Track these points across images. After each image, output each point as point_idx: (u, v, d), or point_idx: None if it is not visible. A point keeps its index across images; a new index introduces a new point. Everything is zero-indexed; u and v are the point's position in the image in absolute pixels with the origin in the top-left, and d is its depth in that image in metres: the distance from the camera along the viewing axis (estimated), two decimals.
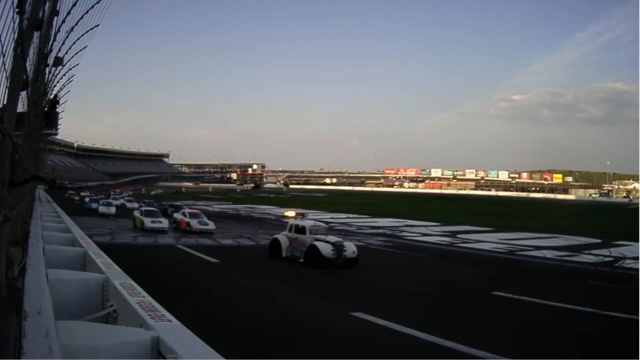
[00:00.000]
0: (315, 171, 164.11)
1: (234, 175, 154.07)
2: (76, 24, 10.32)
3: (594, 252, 21.34)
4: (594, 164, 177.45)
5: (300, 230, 15.45)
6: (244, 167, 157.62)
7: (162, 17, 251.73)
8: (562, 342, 8.11)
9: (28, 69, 4.86)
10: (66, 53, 12.06)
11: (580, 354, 7.40)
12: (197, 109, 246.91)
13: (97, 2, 9.86)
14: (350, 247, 14.54)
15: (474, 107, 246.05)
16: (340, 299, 10.63)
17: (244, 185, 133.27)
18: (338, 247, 14.15)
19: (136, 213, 25.58)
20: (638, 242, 22.31)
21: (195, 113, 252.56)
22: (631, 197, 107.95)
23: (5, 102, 3.69)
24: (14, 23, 3.42)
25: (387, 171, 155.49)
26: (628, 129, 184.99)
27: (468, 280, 13.72)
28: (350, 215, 40.70)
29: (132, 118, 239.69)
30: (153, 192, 79.86)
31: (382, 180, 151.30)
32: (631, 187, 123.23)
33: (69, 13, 9.22)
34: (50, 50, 9.73)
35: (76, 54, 13.37)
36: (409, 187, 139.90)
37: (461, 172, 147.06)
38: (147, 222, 23.35)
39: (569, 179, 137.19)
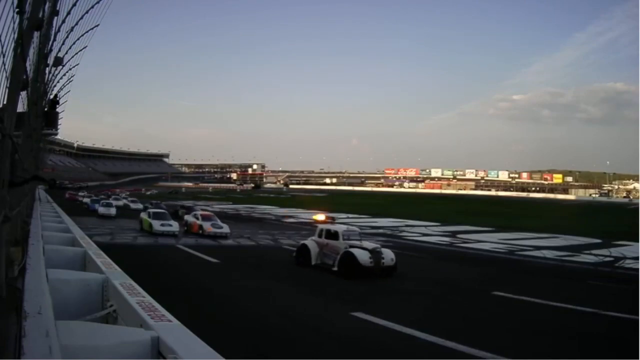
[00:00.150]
0: (315, 171, 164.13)
1: (234, 175, 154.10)
2: (76, 24, 10.33)
3: (594, 252, 21.34)
4: (594, 164, 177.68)
5: (333, 235, 14.04)
6: (244, 167, 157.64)
7: (162, 17, 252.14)
8: (562, 342, 8.11)
9: (28, 69, 4.85)
10: (66, 53, 12.07)
11: (580, 354, 7.40)
12: (197, 109, 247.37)
13: (97, 2, 9.86)
14: (389, 254, 13.28)
15: (474, 107, 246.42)
16: (340, 299, 10.63)
17: (244, 185, 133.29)
18: (376, 254, 12.90)
19: (143, 215, 24.06)
20: (638, 242, 22.31)
21: (195, 113, 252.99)
22: (631, 197, 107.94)
23: (5, 102, 3.69)
24: (14, 23, 3.42)
25: (387, 171, 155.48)
26: (628, 129, 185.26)
27: (468, 280, 13.72)
28: (350, 215, 40.67)
29: (132, 118, 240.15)
30: (148, 192, 78.81)
31: (382, 180, 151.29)
32: (631, 187, 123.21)
33: (69, 13, 9.22)
34: (50, 50, 9.74)
35: (76, 54, 13.38)
36: (409, 187, 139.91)
37: (461, 172, 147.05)
38: (156, 225, 21.83)
39: (569, 179, 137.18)
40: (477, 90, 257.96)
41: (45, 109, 12.67)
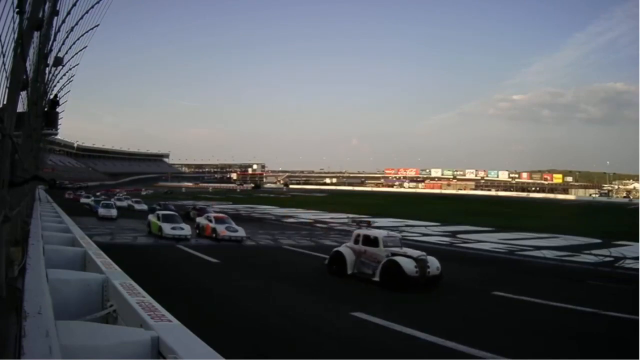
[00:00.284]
0: (315, 171, 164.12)
1: (234, 175, 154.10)
2: (76, 24, 10.33)
3: (594, 252, 21.34)
4: (594, 164, 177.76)
5: (372, 242, 12.77)
6: (244, 167, 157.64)
7: (162, 17, 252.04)
8: (562, 342, 8.11)
9: (28, 69, 4.86)
10: (66, 53, 12.07)
11: (580, 354, 7.40)
12: (197, 109, 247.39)
13: (97, 2, 9.86)
14: (434, 263, 12.15)
15: (474, 107, 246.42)
16: (340, 299, 10.63)
17: (244, 185, 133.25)
18: (421, 263, 11.79)
19: (152, 218, 22.44)
20: (638, 242, 22.31)
21: (195, 113, 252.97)
22: (631, 197, 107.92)
23: (5, 102, 3.69)
24: (14, 23, 3.42)
25: (387, 171, 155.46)
26: (628, 129, 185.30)
27: (468, 280, 13.71)
28: (350, 216, 40.65)
29: (132, 118, 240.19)
30: (144, 192, 77.61)
31: (382, 180, 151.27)
32: (631, 187, 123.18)
33: (69, 13, 9.22)
34: (50, 50, 9.74)
35: (76, 54, 13.38)
36: (409, 187, 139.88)
37: (461, 172, 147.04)
38: (167, 228, 20.39)
39: (569, 179, 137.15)
40: (477, 90, 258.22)
41: (45, 109, 12.67)
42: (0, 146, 3.46)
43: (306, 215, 41.21)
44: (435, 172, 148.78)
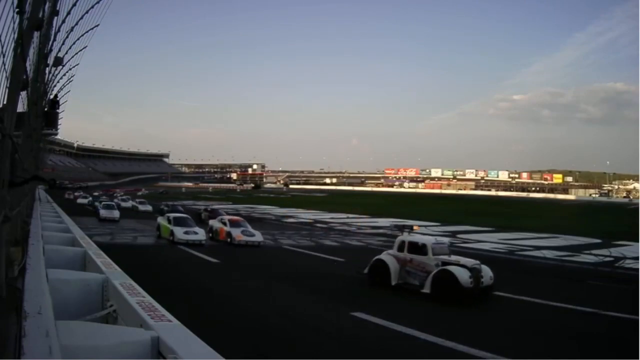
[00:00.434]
0: (315, 171, 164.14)
1: (234, 175, 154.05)
2: (76, 24, 10.33)
3: (594, 252, 21.34)
4: (594, 164, 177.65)
5: (419, 249, 11.59)
6: (244, 167, 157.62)
7: (162, 17, 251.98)
8: (562, 342, 8.12)
9: (28, 69, 4.86)
10: (66, 53, 12.07)
11: (580, 354, 7.40)
12: (197, 109, 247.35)
13: (97, 2, 9.86)
14: (487, 272, 11.12)
15: (474, 107, 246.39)
16: (340, 299, 10.62)
17: (244, 185, 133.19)
18: (476, 273, 10.73)
19: (162, 221, 20.75)
20: (638, 242, 22.31)
21: (195, 113, 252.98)
22: (631, 197, 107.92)
23: (5, 102, 3.69)
24: (14, 23, 3.42)
25: (387, 171, 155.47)
26: (628, 129, 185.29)
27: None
28: (350, 215, 40.69)
29: (132, 118, 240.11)
30: (139, 193, 75.60)
31: (382, 180, 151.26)
32: (631, 187, 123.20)
33: (69, 13, 9.22)
34: (50, 50, 9.74)
35: (76, 54, 13.39)
36: (409, 187, 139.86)
37: (461, 172, 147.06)
38: (179, 233, 18.81)
39: (569, 179, 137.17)
40: (477, 90, 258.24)
41: (45, 109, 12.66)
42: (0, 146, 3.46)
43: (306, 215, 41.21)
44: (435, 172, 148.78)
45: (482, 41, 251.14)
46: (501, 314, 9.98)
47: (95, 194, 59.53)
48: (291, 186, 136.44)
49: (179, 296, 8.88)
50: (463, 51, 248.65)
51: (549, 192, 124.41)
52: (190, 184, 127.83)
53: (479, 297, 10.65)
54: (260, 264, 15.51)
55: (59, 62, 11.83)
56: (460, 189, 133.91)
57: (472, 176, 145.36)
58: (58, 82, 15.52)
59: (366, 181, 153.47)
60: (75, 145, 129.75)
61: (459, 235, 27.32)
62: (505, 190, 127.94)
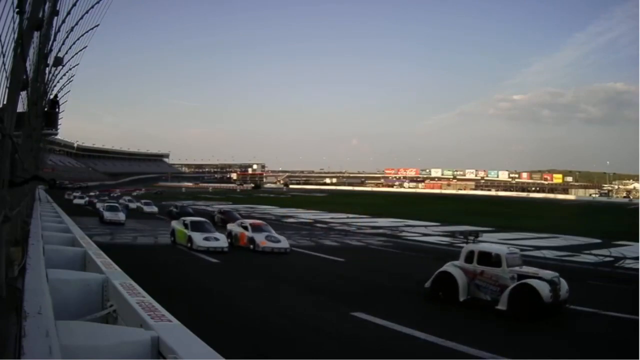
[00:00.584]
0: (315, 171, 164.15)
1: (234, 175, 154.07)
2: (76, 24, 10.32)
3: (594, 252, 21.33)
4: (594, 164, 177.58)
5: (492, 260, 10.28)
6: (244, 167, 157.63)
7: (162, 17, 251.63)
8: (562, 342, 8.12)
9: (28, 69, 4.86)
10: (66, 53, 12.06)
11: (580, 354, 7.41)
12: (197, 109, 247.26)
13: (97, 2, 9.85)
14: (564, 285, 9.95)
15: (474, 107, 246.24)
16: (340, 299, 10.62)
17: (244, 185, 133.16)
18: (555, 286, 9.55)
19: (177, 225, 18.95)
20: (638, 242, 22.30)
21: (195, 113, 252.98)
22: (631, 197, 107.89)
23: (5, 102, 3.69)
24: (14, 23, 3.42)
25: (387, 171, 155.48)
26: (628, 129, 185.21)
27: None
28: (350, 215, 40.68)
29: (132, 118, 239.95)
30: (134, 193, 73.90)
31: (382, 180, 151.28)
32: (631, 187, 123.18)
33: (69, 13, 9.21)
34: (50, 50, 9.73)
35: (76, 54, 13.37)
36: (409, 187, 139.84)
37: (461, 172, 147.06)
38: (198, 239, 16.97)
39: (569, 179, 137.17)
40: (477, 90, 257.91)
41: (45, 109, 12.66)
42: (0, 146, 3.46)
43: (306, 215, 41.20)
44: (435, 172, 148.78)
45: (482, 41, 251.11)
46: (501, 314, 9.96)
47: (92, 194, 58.55)
48: (291, 186, 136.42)
49: (179, 296, 8.89)
50: (463, 51, 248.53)
51: (549, 192, 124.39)
52: (190, 184, 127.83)
53: (555, 312, 9.59)
54: (260, 264, 15.51)
55: (59, 62, 11.82)
56: (460, 189, 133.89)
57: (472, 176, 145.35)
58: (58, 82, 15.51)
59: (366, 181, 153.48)
60: (75, 145, 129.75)
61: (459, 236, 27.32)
62: (505, 190, 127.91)
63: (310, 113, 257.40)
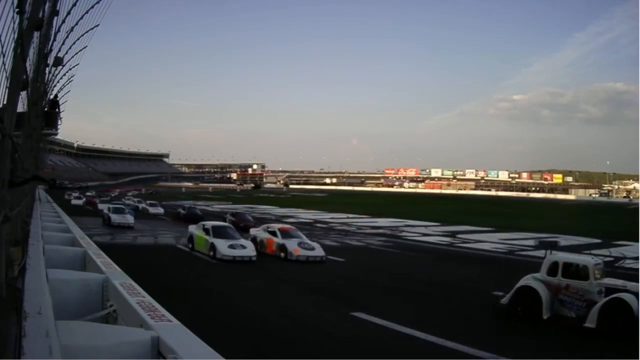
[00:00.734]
0: (315, 171, 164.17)
1: (234, 175, 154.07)
2: (76, 24, 10.31)
3: (594, 252, 21.31)
4: (594, 164, 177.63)
5: (578, 273, 9.31)
6: (244, 167, 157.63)
7: (163, 17, 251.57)
8: (562, 342, 8.12)
9: (28, 69, 4.86)
10: (66, 53, 12.05)
11: (580, 354, 7.41)
12: (197, 109, 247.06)
13: (97, 2, 9.84)
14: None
15: (474, 107, 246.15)
16: (340, 299, 10.62)
17: (244, 185, 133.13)
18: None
19: (196, 231, 17.14)
20: (638, 242, 22.29)
21: (195, 113, 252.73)
22: (631, 197, 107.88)
23: (5, 102, 3.69)
24: (14, 23, 3.42)
25: (387, 171, 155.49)
26: (628, 129, 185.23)
27: (468, 280, 13.71)
28: (350, 215, 40.68)
29: (132, 118, 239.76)
30: (130, 193, 71.68)
31: (382, 180, 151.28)
32: (631, 187, 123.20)
33: (69, 13, 9.21)
34: (50, 50, 9.73)
35: (76, 54, 13.36)
36: (409, 187, 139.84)
37: (461, 172, 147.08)
38: (222, 247, 15.09)
39: (569, 179, 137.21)
40: (477, 90, 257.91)
41: (45, 109, 12.66)
42: (0, 146, 3.46)
43: (306, 215, 41.20)
44: (435, 172, 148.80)
45: (482, 41, 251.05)
46: (501, 314, 9.97)
47: (89, 194, 57.68)
48: (291, 186, 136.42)
49: (179, 296, 8.88)
50: (463, 51, 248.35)
51: (549, 192, 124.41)
52: (190, 184, 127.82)
53: None
54: (260, 264, 15.50)
55: (59, 62, 11.82)
56: (460, 189, 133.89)
57: (472, 176, 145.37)
58: (58, 82, 15.51)
59: (366, 181, 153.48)
60: (75, 145, 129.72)
61: (459, 235, 27.33)
62: (505, 190, 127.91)
63: (310, 113, 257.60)
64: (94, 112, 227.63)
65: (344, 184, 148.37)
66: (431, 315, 9.53)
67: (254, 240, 17.19)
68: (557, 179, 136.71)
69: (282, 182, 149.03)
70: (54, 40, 9.59)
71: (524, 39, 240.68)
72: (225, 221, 23.86)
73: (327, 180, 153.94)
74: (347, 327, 8.31)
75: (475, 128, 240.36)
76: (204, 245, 16.06)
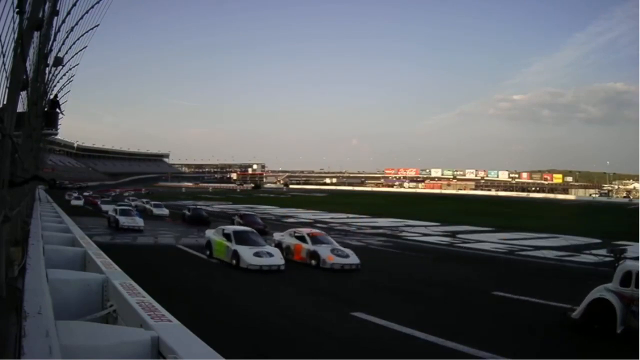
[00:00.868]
0: (315, 171, 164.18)
1: (234, 175, 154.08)
2: (76, 24, 10.33)
3: (594, 252, 21.32)
4: (594, 164, 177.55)
5: None
6: (244, 167, 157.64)
7: (163, 17, 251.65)
8: (562, 342, 8.12)
9: (28, 69, 4.86)
10: (66, 53, 12.07)
11: (579, 354, 7.40)
12: (197, 109, 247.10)
13: (97, 2, 9.86)
14: None
15: (474, 107, 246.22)
16: (340, 299, 10.63)
17: (244, 185, 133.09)
18: None
19: (215, 236, 15.71)
20: (638, 242, 22.29)
21: (195, 113, 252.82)
22: (631, 197, 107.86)
23: (5, 102, 3.69)
24: (14, 23, 3.42)
25: (387, 171, 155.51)
26: (628, 129, 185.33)
27: (468, 280, 13.72)
28: (350, 215, 40.67)
29: (132, 118, 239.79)
30: (126, 193, 70.79)
31: (382, 180, 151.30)
32: (631, 187, 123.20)
33: (69, 13, 9.22)
34: (50, 50, 9.73)
35: (76, 54, 13.38)
36: (409, 187, 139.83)
37: (461, 172, 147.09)
38: (247, 255, 13.60)
39: (569, 179, 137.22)
40: (477, 90, 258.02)
41: (45, 109, 12.67)
42: (0, 146, 3.46)
43: (306, 215, 41.21)
44: (435, 172, 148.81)
45: (482, 41, 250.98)
46: (501, 314, 9.97)
47: (86, 193, 57.00)
48: (291, 186, 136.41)
49: (179, 296, 8.88)
50: (463, 51, 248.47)
51: (549, 192, 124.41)
52: (190, 184, 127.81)
53: None
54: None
55: (59, 62, 11.83)
56: (460, 189, 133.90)
57: (472, 176, 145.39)
58: (58, 82, 15.52)
59: (366, 181, 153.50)
60: (75, 145, 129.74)
61: (459, 235, 27.33)
62: (505, 190, 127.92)
63: (310, 113, 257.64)
64: (94, 112, 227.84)
65: (344, 184, 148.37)
66: (431, 315, 9.53)
67: (278, 246, 15.79)
68: (557, 179, 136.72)
69: (282, 182, 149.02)
70: (54, 40, 9.60)
71: (524, 39, 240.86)
72: (233, 223, 23.32)
73: (327, 180, 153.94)
74: (347, 327, 8.31)
75: (475, 128, 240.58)
76: (225, 252, 14.57)
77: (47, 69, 10.85)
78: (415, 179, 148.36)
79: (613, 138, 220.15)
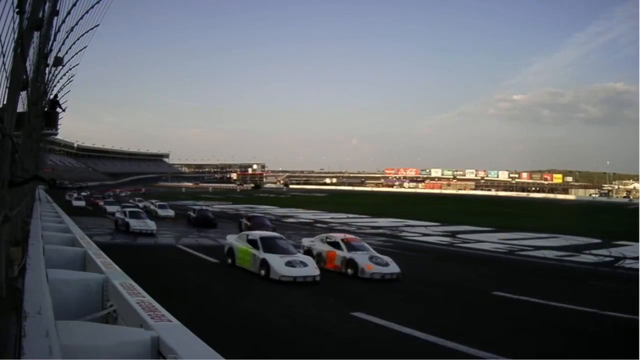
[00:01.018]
0: (315, 171, 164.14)
1: (234, 175, 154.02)
2: (76, 24, 10.33)
3: (594, 252, 21.34)
4: (594, 164, 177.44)
5: None
6: (244, 167, 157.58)
7: (162, 17, 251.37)
8: (562, 342, 8.12)
9: (28, 69, 4.86)
10: (66, 53, 12.06)
11: (580, 354, 7.40)
12: (197, 109, 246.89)
13: (97, 2, 9.85)
14: None
15: (474, 107, 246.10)
16: (340, 299, 10.63)
17: (244, 185, 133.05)
18: None
19: (238, 243, 14.17)
20: (638, 242, 22.30)
21: (195, 113, 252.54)
22: (631, 197, 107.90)
23: (5, 102, 3.69)
24: (14, 23, 3.42)
25: (387, 171, 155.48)
26: (628, 129, 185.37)
27: (468, 280, 13.72)
28: (350, 215, 40.68)
29: (132, 118, 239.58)
30: (123, 194, 69.83)
31: (382, 180, 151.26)
32: (631, 187, 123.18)
33: (69, 13, 9.22)
34: (50, 50, 9.73)
35: (76, 54, 13.36)
36: (409, 187, 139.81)
37: (461, 172, 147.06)
38: (278, 265, 12.20)
39: (569, 179, 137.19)
40: (477, 90, 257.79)
41: (45, 109, 12.67)
42: (0, 146, 3.46)
43: (306, 215, 41.21)
44: (435, 172, 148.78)
45: (482, 41, 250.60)
46: (501, 314, 9.98)
47: (84, 193, 56.57)
48: (291, 186, 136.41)
49: (179, 296, 8.88)
50: (463, 51, 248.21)
51: (549, 192, 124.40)
52: (190, 184, 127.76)
53: None
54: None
55: (59, 62, 11.83)
56: (460, 189, 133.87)
57: (472, 176, 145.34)
58: (58, 82, 15.50)
59: (366, 181, 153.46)
60: (75, 145, 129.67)
61: (459, 235, 27.34)
62: (505, 190, 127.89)
63: (310, 113, 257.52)
64: (94, 112, 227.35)
65: (344, 184, 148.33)
66: (431, 315, 9.53)
67: (308, 253, 14.46)
68: (557, 179, 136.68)
69: (282, 182, 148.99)
70: (54, 40, 9.60)
71: (524, 39, 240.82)
72: (240, 226, 22.47)
73: (327, 180, 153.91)
74: (347, 327, 8.31)
75: (475, 128, 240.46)
76: (251, 261, 13.12)
77: (47, 69, 10.85)
78: (415, 179, 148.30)
79: (613, 138, 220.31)
